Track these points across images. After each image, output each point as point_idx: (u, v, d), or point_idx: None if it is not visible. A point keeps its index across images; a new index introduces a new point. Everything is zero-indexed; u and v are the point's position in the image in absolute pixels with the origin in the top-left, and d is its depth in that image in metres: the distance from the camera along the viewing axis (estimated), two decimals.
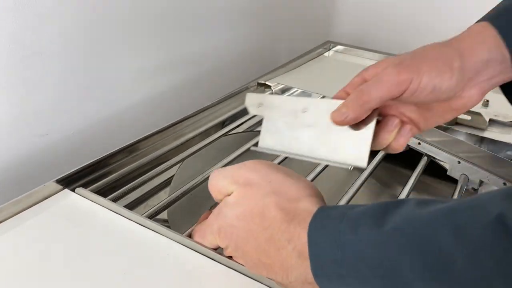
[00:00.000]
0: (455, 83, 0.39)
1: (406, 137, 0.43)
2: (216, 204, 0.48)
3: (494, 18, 0.42)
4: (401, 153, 0.58)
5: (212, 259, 0.41)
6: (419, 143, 0.61)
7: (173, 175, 0.61)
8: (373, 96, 0.38)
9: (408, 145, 0.62)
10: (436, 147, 0.60)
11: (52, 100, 0.58)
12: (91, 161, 0.53)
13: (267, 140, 0.43)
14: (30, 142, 0.57)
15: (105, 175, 0.54)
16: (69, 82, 0.59)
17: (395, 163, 0.67)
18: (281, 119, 0.43)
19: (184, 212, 0.54)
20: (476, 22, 0.44)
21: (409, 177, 0.57)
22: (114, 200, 0.51)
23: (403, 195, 0.53)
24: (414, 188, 0.56)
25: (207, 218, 0.43)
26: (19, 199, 0.45)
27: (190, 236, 0.44)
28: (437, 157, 0.60)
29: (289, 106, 0.43)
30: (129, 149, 0.57)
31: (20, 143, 0.56)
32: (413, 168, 0.59)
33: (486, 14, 0.44)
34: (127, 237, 0.43)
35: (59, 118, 0.60)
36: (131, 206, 0.55)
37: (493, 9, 0.44)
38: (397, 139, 0.42)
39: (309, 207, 0.36)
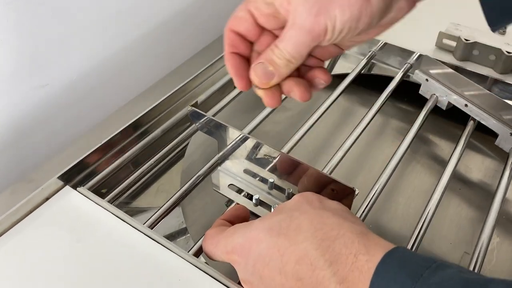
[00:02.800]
0: (376, 14, 0.32)
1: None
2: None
3: None
4: (449, 111, 0.55)
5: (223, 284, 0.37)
6: (466, 105, 0.52)
7: (187, 144, 0.56)
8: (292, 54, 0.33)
9: (453, 105, 0.54)
10: (485, 111, 0.51)
11: (52, 46, 0.51)
12: (93, 149, 0.48)
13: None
14: (30, 93, 0.51)
15: (116, 156, 0.50)
16: (66, 23, 0.51)
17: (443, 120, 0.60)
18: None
19: (199, 200, 0.50)
20: None
21: (458, 137, 0.51)
22: (128, 186, 0.48)
23: (453, 160, 0.48)
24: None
25: (221, 224, 0.39)
26: (17, 208, 0.42)
27: (197, 253, 0.40)
28: (485, 123, 0.51)
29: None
30: (133, 125, 0.52)
31: (19, 95, 0.51)
32: (463, 124, 0.53)
33: None
34: (132, 249, 0.40)
35: (59, 66, 0.53)
36: (143, 188, 0.52)
37: None
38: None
39: (355, 228, 0.31)
